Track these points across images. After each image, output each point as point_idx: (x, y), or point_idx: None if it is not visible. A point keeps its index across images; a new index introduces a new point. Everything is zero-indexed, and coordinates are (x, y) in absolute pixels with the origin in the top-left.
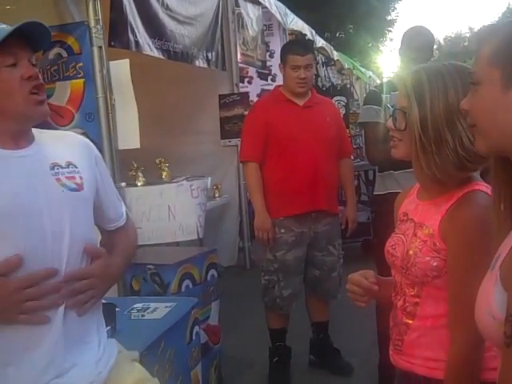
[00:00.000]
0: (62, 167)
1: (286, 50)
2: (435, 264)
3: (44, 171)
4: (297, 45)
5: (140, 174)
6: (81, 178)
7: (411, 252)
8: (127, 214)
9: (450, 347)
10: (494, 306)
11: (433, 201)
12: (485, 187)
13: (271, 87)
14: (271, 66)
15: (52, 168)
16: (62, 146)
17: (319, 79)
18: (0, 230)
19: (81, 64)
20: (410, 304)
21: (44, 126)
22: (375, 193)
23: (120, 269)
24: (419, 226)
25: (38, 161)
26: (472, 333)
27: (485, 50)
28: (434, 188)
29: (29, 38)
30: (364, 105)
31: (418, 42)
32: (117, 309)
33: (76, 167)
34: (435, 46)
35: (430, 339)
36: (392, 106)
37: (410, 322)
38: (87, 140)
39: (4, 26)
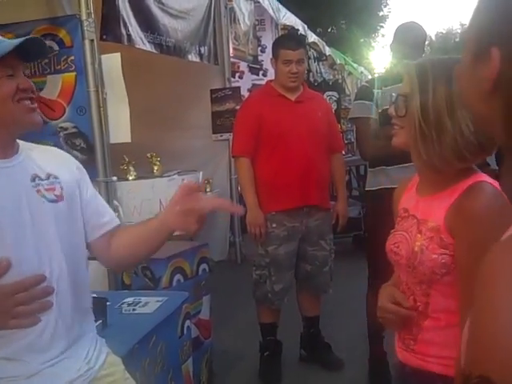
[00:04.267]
0: (42, 179)
1: (277, 45)
2: (443, 261)
3: (26, 183)
4: (288, 39)
5: (131, 168)
6: (61, 188)
7: (417, 249)
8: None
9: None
10: None
11: (434, 195)
12: (489, 178)
13: (262, 82)
14: (263, 60)
15: (33, 179)
16: (43, 157)
17: (311, 74)
18: None
19: (72, 57)
20: (421, 303)
21: None
22: (367, 188)
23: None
24: (423, 222)
25: (21, 172)
26: None
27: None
28: (434, 181)
29: (24, 49)
30: (355, 100)
31: (410, 38)
32: (108, 303)
33: (56, 178)
34: (426, 42)
35: (445, 338)
36: (394, 94)
37: (423, 322)
38: (68, 154)
39: (2, 38)
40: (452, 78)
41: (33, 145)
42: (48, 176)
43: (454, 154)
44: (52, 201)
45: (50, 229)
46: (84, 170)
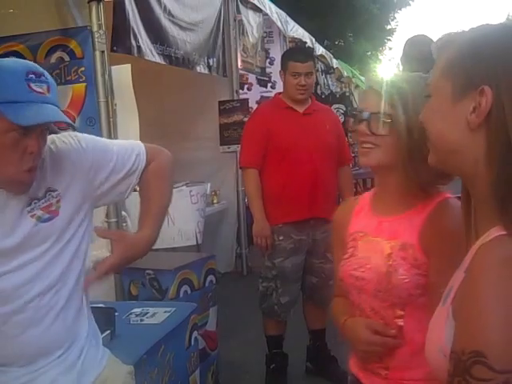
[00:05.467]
0: (39, 198)
1: (286, 57)
2: (419, 281)
3: (22, 209)
4: (297, 52)
5: None
6: (58, 201)
7: (389, 271)
8: (146, 150)
9: None
10: (446, 343)
11: (401, 215)
12: (454, 196)
13: (271, 94)
14: (271, 73)
15: (29, 204)
16: (49, 167)
17: (318, 87)
18: None
19: (83, 68)
20: (394, 327)
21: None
22: None
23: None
24: (393, 244)
25: (19, 198)
26: None
27: (440, 60)
28: (400, 201)
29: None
30: None
31: (419, 52)
32: (116, 313)
33: (54, 191)
34: None
35: (421, 360)
36: (360, 111)
37: (396, 348)
38: (78, 147)
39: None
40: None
41: (50, 146)
42: (45, 193)
43: (436, 173)
44: (45, 220)
45: (37, 249)
46: (97, 158)
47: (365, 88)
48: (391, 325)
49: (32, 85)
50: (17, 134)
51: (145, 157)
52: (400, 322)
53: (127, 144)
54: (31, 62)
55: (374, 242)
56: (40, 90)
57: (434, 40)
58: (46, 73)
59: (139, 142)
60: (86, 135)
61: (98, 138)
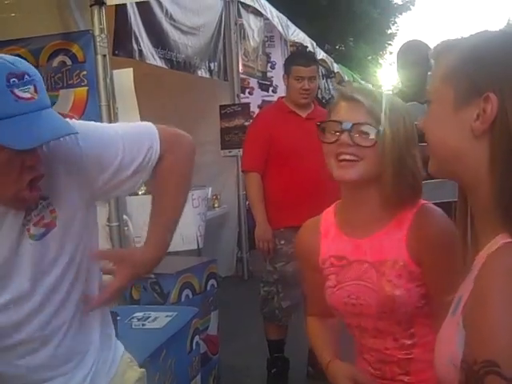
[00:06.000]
0: (33, 209)
1: (290, 61)
2: (421, 292)
3: (18, 221)
4: (301, 56)
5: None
6: (51, 211)
7: (391, 293)
8: (160, 143)
9: None
10: (456, 354)
11: (379, 232)
12: (422, 200)
13: (272, 98)
14: (272, 77)
15: (26, 215)
16: (48, 170)
17: (319, 91)
18: None
19: (85, 72)
20: (405, 338)
21: None
22: None
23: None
24: (381, 263)
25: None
26: None
27: (440, 67)
28: (380, 216)
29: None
30: None
31: (413, 57)
32: (118, 317)
33: (45, 199)
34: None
35: None
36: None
37: (411, 356)
38: (74, 145)
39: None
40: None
41: (57, 155)
42: (39, 202)
43: (411, 186)
44: (40, 237)
45: (28, 269)
46: (100, 159)
47: (336, 99)
48: (404, 339)
49: (16, 91)
50: (9, 151)
51: (158, 148)
52: (409, 341)
53: (137, 131)
54: (6, 59)
55: (356, 265)
56: (27, 95)
57: (429, 45)
58: (27, 65)
59: (151, 125)
60: (85, 127)
61: (102, 127)
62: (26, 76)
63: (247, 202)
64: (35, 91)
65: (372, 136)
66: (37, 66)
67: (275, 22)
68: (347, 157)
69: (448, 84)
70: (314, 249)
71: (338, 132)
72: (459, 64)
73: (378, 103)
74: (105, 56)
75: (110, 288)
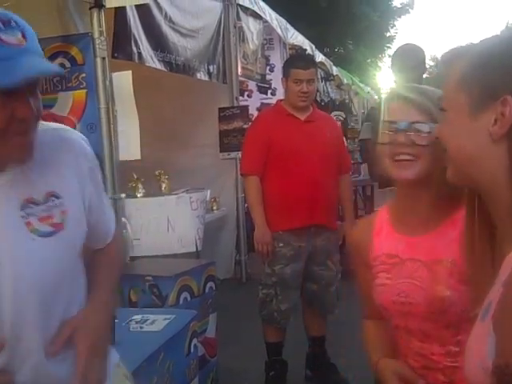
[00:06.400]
0: (38, 204)
1: (288, 64)
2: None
3: (12, 212)
4: (300, 59)
5: (140, 185)
6: (62, 212)
7: (443, 293)
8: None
9: None
10: (487, 359)
11: (434, 231)
12: None
13: (271, 101)
14: (271, 79)
15: (23, 207)
16: (51, 164)
17: (318, 94)
18: None
19: (84, 75)
20: (452, 345)
21: None
22: (375, 209)
23: (108, 304)
24: (434, 262)
25: (8, 196)
26: None
27: (452, 74)
28: (436, 215)
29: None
30: (366, 121)
31: (411, 62)
32: (115, 320)
33: (58, 197)
34: (433, 63)
35: None
36: (394, 122)
37: (457, 364)
38: (85, 147)
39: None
40: None
41: (54, 135)
42: (47, 198)
43: None
44: (46, 234)
45: (31, 278)
46: (98, 168)
47: (388, 98)
48: (451, 345)
49: (2, 35)
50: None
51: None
52: (456, 349)
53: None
54: None
55: (408, 263)
56: (13, 40)
57: (423, 49)
58: (16, 17)
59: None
60: None
61: None
62: (13, 23)
63: (246, 205)
64: (24, 38)
65: (426, 134)
66: None
67: (274, 24)
68: (405, 157)
69: (461, 91)
70: (366, 245)
71: (391, 132)
72: (470, 70)
73: (430, 100)
74: (104, 59)
75: (78, 366)
